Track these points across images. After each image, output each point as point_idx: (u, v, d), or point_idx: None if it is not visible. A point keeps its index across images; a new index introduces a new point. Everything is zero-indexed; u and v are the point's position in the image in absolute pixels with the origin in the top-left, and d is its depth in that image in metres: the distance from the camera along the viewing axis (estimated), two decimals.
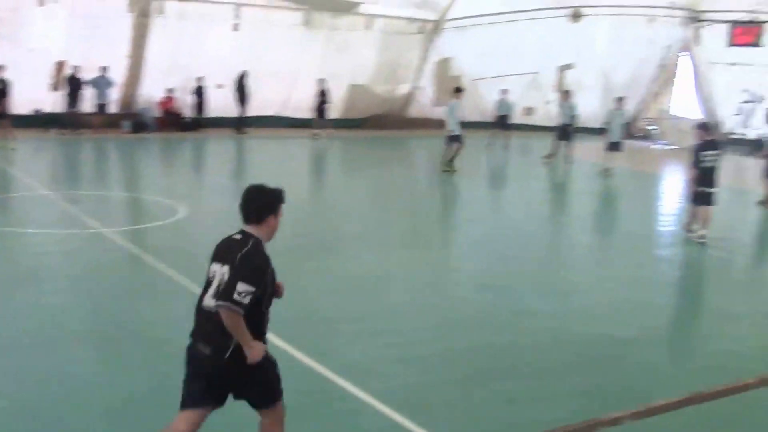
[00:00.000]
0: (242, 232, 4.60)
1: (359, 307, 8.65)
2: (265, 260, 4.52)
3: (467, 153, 19.16)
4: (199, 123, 24.75)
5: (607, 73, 30.19)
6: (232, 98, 24.70)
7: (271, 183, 4.61)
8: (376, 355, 7.14)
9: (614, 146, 20.35)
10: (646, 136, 29.89)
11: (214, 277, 4.53)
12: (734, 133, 28.60)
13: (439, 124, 29.15)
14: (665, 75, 31.41)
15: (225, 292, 4.32)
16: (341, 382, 6.44)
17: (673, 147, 26.31)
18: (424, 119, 29.19)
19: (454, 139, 19.16)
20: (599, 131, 27.55)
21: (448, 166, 19.17)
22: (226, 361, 4.41)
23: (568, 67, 29.25)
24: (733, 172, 21.92)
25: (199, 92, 24.48)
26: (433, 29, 28.27)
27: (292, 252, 11.05)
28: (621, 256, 12.62)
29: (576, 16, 28.50)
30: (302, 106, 25.62)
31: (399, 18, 27.31)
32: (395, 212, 14.98)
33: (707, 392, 3.99)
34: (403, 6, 26.93)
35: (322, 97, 25.26)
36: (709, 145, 12.72)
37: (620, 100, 21.34)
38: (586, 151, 24.02)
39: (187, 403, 4.59)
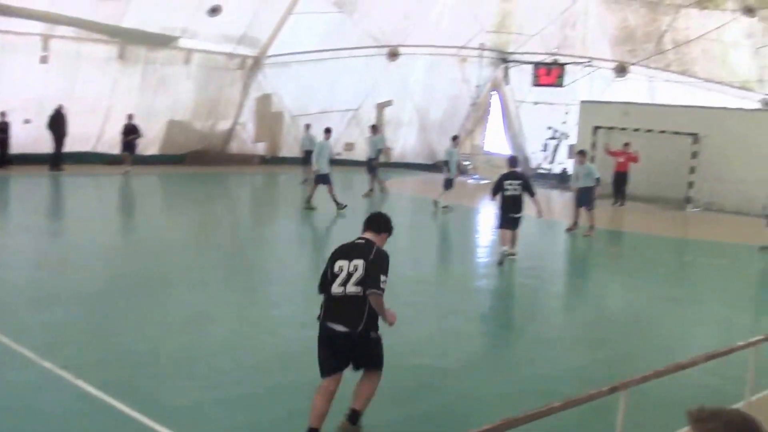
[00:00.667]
0: (362, 238, 6.13)
1: (179, 348, 8.36)
2: (389, 257, 6.03)
3: (285, 190, 19.17)
4: (5, 160, 23.29)
5: (423, 110, 31.43)
6: (43, 134, 23.41)
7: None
8: (198, 398, 6.93)
9: (450, 183, 20.91)
10: (462, 171, 31.16)
11: (341, 270, 5.87)
12: (541, 168, 30.50)
13: (260, 159, 29.20)
14: (478, 112, 33.02)
15: (374, 283, 5.78)
16: (162, 429, 6.20)
17: (486, 181, 27.55)
18: (246, 155, 29.05)
19: (323, 178, 18.90)
20: (417, 167, 28.52)
21: (308, 203, 19.00)
22: (359, 334, 5.80)
23: (386, 104, 30.15)
24: (541, 204, 23.24)
25: (3, 128, 23.06)
26: (253, 65, 28.24)
27: (109, 294, 10.63)
28: (439, 287, 13.08)
29: (393, 54, 29.46)
30: (118, 142, 24.82)
31: (218, 53, 27.08)
32: (216, 251, 14.68)
33: (517, 417, 4.18)
34: (222, 41, 26.69)
35: (131, 133, 24.52)
36: (510, 175, 14.30)
37: (455, 138, 22.24)
38: (407, 186, 24.72)
39: (327, 371, 5.95)
